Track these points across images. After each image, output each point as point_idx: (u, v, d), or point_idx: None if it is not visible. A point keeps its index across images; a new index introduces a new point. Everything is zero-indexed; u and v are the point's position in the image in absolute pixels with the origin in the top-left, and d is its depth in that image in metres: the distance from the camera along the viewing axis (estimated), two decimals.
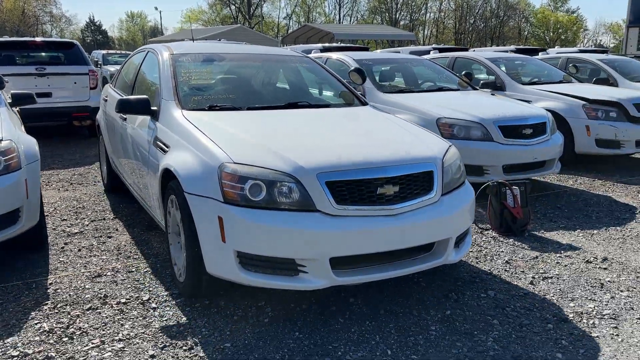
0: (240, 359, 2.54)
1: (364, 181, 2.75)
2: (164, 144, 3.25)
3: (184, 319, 2.89)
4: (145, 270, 3.54)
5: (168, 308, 3.01)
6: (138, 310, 2.99)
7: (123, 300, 3.09)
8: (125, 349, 2.61)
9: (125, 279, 3.39)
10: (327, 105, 4.03)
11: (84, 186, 5.81)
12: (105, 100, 5.20)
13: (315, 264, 2.61)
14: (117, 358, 2.53)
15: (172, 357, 2.54)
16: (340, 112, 3.89)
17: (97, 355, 2.55)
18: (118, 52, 22.63)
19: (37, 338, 2.69)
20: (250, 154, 2.77)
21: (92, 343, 2.65)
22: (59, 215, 4.70)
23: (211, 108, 3.52)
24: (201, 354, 2.57)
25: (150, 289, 3.25)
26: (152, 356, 2.55)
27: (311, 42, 41.66)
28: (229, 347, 2.64)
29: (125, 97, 3.62)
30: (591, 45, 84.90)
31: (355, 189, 2.73)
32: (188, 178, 2.82)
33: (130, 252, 3.86)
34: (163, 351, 2.59)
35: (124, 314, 2.94)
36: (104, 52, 21.01)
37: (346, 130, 3.41)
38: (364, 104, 4.19)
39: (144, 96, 3.59)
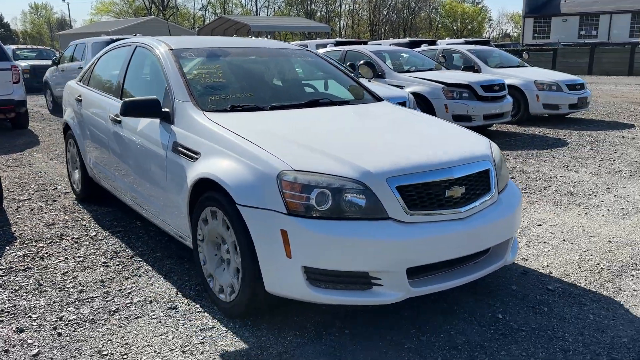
0: None
1: (432, 184, 2.60)
2: (191, 151, 2.99)
3: (124, 245, 4.05)
4: (90, 219, 4.65)
5: (112, 240, 4.15)
6: (89, 241, 4.13)
7: (76, 236, 4.22)
8: (84, 261, 3.75)
9: (74, 225, 4.49)
10: (347, 102, 3.81)
11: (20, 168, 6.71)
12: (79, 100, 4.77)
13: (391, 276, 2.45)
14: (79, 265, 3.68)
15: (118, 264, 3.70)
16: (368, 109, 3.73)
17: (64, 265, 3.68)
18: (28, 47, 22.43)
19: (16, 259, 3.78)
20: (308, 160, 2.56)
21: (59, 259, 3.78)
22: (6, 188, 5.61)
23: (233, 109, 3.28)
24: (136, 259, 3.75)
25: (96, 229, 4.38)
26: (104, 263, 3.71)
27: (228, 34, 42.29)
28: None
29: (131, 98, 3.29)
30: (498, 35, 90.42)
31: (424, 192, 2.57)
32: (240, 189, 2.56)
33: (75, 210, 4.93)
34: (112, 261, 3.74)
35: (78, 244, 4.07)
36: (14, 47, 20.86)
37: (390, 130, 3.22)
38: (379, 99, 4.02)
39: (153, 97, 3.30)
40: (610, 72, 26.47)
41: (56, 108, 12.02)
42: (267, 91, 3.84)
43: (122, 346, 2.65)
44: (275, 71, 4.22)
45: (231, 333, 2.76)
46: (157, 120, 3.38)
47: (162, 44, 3.81)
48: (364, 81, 5.89)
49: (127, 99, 3.26)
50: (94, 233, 4.27)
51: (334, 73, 4.28)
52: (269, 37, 36.28)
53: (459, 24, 78.44)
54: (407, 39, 15.81)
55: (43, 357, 2.57)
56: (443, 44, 15.62)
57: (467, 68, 10.39)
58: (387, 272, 2.44)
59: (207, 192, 2.83)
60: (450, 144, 2.95)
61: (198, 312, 2.98)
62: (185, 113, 3.20)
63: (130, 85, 4.06)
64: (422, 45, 12.76)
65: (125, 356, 2.57)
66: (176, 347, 2.64)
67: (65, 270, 3.55)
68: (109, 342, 2.69)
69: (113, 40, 11.13)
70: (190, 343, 2.68)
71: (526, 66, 11.16)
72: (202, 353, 2.60)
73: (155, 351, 2.62)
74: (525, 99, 9.66)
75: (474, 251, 2.68)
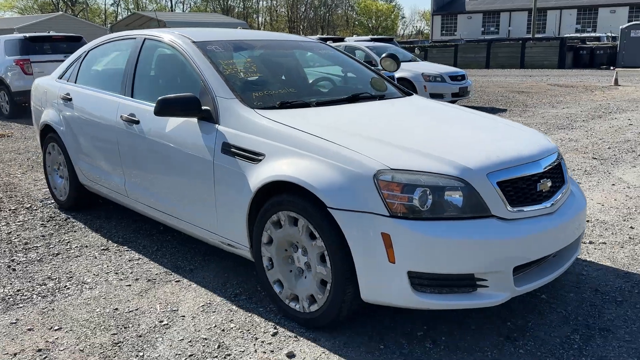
0: None
1: (526, 178, 2.55)
2: (250, 152, 2.78)
3: (58, 212, 4.76)
4: (22, 194, 5.30)
5: (46, 209, 4.84)
6: (25, 210, 4.82)
7: (13, 208, 4.89)
8: (23, 225, 4.46)
9: (9, 200, 5.13)
10: (383, 97, 3.64)
11: None
12: (67, 99, 4.33)
13: (497, 276, 2.36)
14: (20, 226, 4.38)
15: (65, 233, 4.39)
16: (413, 103, 3.57)
17: (6, 228, 4.36)
18: None
19: None
20: (403, 158, 2.44)
21: (2, 223, 4.47)
22: None
23: (282, 105, 3.09)
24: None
25: (30, 202, 5.06)
26: (42, 224, 4.42)
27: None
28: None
29: (167, 96, 2.99)
30: (412, 32, 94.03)
31: (520, 187, 2.51)
32: (330, 191, 2.41)
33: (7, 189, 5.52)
34: (47, 226, 4.44)
35: (15, 214, 4.75)
36: None
37: (456, 124, 3.10)
38: (407, 93, 3.89)
39: (191, 94, 3.03)
40: (505, 65, 28.82)
41: None
42: (306, 86, 3.75)
43: (67, 274, 3.46)
44: (304, 65, 4.06)
45: (155, 263, 3.61)
46: (194, 120, 3.12)
47: (181, 37, 3.55)
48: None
49: (162, 97, 2.99)
50: (29, 205, 4.96)
51: (354, 66, 4.14)
52: None
53: (374, 22, 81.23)
54: (316, 36, 17.02)
55: (3, 284, 3.32)
56: (351, 41, 16.95)
57: (367, 61, 11.74)
58: (494, 273, 2.34)
59: (276, 195, 2.67)
60: (522, 137, 2.90)
61: (127, 251, 3.81)
62: (233, 111, 2.98)
63: (143, 82, 3.75)
64: (328, 42, 14.09)
65: (70, 279, 3.38)
66: (110, 271, 3.49)
67: (9, 231, 4.27)
68: (56, 272, 3.49)
69: (27, 38, 11.36)
70: (121, 268, 3.53)
71: (417, 61, 12.83)
72: (131, 273, 3.46)
73: (94, 274, 3.45)
74: (415, 89, 11.06)
75: (566, 244, 2.65)
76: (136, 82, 3.74)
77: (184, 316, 2.89)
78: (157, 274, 3.42)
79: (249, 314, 2.89)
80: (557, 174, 2.78)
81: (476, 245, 2.29)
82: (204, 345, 2.61)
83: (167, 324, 2.81)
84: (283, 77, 3.72)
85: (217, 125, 3.01)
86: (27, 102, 10.71)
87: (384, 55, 4.76)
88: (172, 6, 72.94)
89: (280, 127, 2.76)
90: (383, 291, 2.38)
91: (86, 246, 3.91)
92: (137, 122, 3.52)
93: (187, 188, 3.20)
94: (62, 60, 11.90)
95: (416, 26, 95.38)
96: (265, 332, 2.72)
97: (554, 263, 2.67)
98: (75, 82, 4.43)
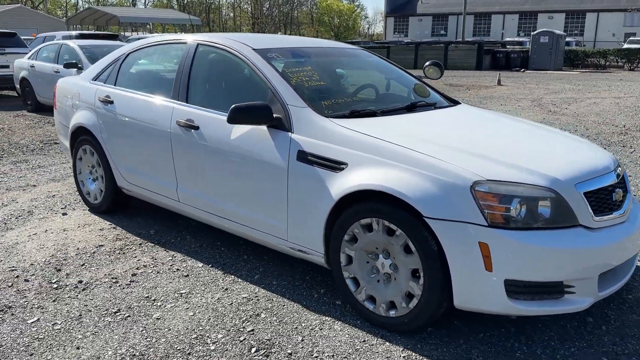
0: None
1: (604, 188, 2.63)
2: (332, 161, 2.78)
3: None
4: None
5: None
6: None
7: None
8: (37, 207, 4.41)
9: None
10: (435, 104, 3.64)
11: None
12: (108, 102, 4.19)
13: (584, 283, 2.43)
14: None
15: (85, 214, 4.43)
16: (473, 114, 3.60)
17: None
18: None
19: None
20: (496, 170, 2.47)
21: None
22: None
23: (352, 114, 3.07)
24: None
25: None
26: (64, 213, 4.36)
27: (98, 24, 43.28)
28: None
29: (240, 104, 2.96)
30: (374, 32, 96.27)
31: (600, 198, 2.59)
32: (426, 201, 2.43)
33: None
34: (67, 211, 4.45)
35: None
36: None
37: (523, 136, 3.12)
38: (454, 101, 3.90)
39: (263, 102, 3.01)
40: None
41: None
42: (364, 94, 3.73)
43: None
44: (356, 72, 4.08)
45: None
46: (263, 128, 3.09)
47: (239, 44, 3.51)
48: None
49: (235, 105, 2.94)
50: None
51: (397, 72, 4.12)
52: (141, 30, 37.86)
53: (336, 21, 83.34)
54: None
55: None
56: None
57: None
58: (582, 280, 2.41)
59: (363, 202, 2.67)
60: (586, 148, 3.02)
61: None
62: (307, 120, 2.97)
63: (199, 88, 3.67)
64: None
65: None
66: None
67: None
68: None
69: None
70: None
71: None
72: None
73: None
74: None
75: (637, 251, 2.74)
76: (191, 88, 3.66)
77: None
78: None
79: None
80: (622, 183, 2.84)
81: (567, 253, 2.35)
82: None
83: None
84: (343, 85, 3.76)
85: (290, 133, 2.99)
86: None
87: (427, 63, 4.55)
88: (133, 1, 73.80)
89: (362, 137, 2.75)
90: (478, 298, 2.40)
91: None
92: (196, 128, 3.44)
93: (254, 194, 3.15)
94: None
95: (377, 26, 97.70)
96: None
97: (622, 267, 2.70)
98: (115, 85, 4.27)
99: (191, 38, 3.87)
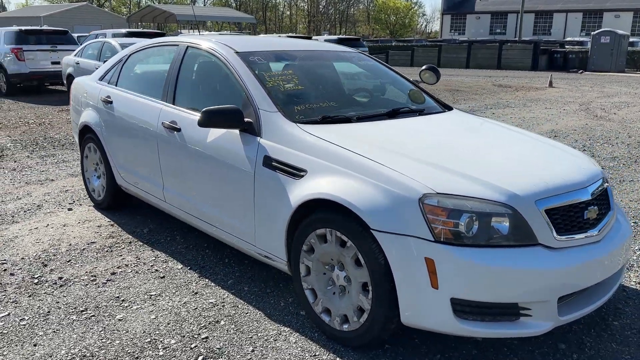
0: None
1: (573, 205, 2.42)
2: (293, 167, 2.72)
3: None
4: None
5: None
6: None
7: None
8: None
9: None
10: (423, 111, 3.52)
11: None
12: (109, 102, 4.26)
13: (542, 306, 2.26)
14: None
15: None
16: (458, 120, 3.46)
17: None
18: None
19: None
20: (449, 182, 2.33)
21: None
22: None
23: (324, 120, 3.01)
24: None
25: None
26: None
27: (157, 22, 44.64)
28: None
29: (211, 107, 2.93)
30: (431, 30, 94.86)
31: (567, 215, 2.40)
32: (374, 213, 2.32)
33: None
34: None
35: None
36: None
37: (500, 145, 2.97)
38: (447, 106, 3.78)
39: (234, 106, 2.97)
40: (483, 66, 29.36)
41: None
42: (346, 99, 3.64)
43: None
44: (343, 76, 3.97)
45: None
46: (236, 132, 3.07)
47: (223, 46, 3.50)
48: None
49: (207, 108, 2.92)
50: None
51: (392, 77, 4.02)
52: (197, 28, 38.72)
53: (391, 19, 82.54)
54: (286, 34, 19.24)
55: None
56: (321, 39, 19.28)
57: None
58: (539, 302, 2.25)
59: (319, 212, 2.59)
60: (569, 161, 2.79)
61: None
62: (275, 125, 2.93)
63: (185, 89, 3.69)
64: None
65: None
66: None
67: None
68: None
69: (22, 31, 14.07)
70: None
71: None
72: None
73: None
74: None
75: (611, 273, 2.51)
76: (178, 90, 3.69)
77: None
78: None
79: None
80: (603, 200, 2.65)
81: (521, 274, 2.19)
82: None
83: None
84: (324, 90, 3.60)
85: (258, 138, 2.95)
86: (20, 83, 13.44)
87: (424, 67, 4.42)
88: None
89: (324, 144, 2.67)
90: (424, 316, 2.28)
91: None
92: (179, 130, 3.44)
93: (226, 198, 3.13)
94: (49, 50, 13.81)
95: (434, 24, 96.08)
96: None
97: (597, 290, 2.54)
98: (116, 85, 4.36)
99: (183, 40, 3.91)
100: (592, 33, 28.59)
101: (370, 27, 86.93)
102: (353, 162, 2.51)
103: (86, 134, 4.63)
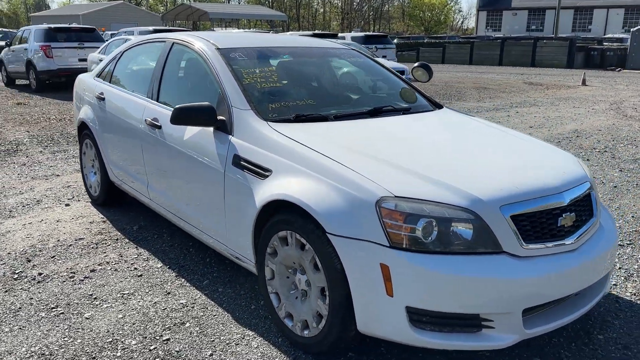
0: None
1: (546, 212, 2.27)
2: (259, 167, 2.64)
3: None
4: None
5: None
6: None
7: None
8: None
9: None
10: (409, 110, 3.40)
11: None
12: (101, 99, 4.27)
13: (505, 318, 2.13)
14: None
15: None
16: (440, 120, 3.33)
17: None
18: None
19: None
20: (409, 185, 2.21)
21: None
22: None
23: (298, 119, 2.91)
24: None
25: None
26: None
27: (191, 20, 45.22)
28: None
29: (183, 105, 2.89)
30: (467, 27, 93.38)
31: (537, 222, 2.25)
32: (330, 216, 2.22)
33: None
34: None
35: None
36: None
37: (479, 146, 2.81)
38: (437, 105, 3.65)
39: (207, 103, 2.91)
40: (516, 63, 28.64)
41: (9, 81, 15.51)
42: (327, 97, 3.52)
43: None
44: (329, 74, 3.85)
45: None
46: (210, 129, 3.01)
47: (206, 42, 3.45)
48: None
49: (178, 105, 2.88)
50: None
51: (383, 75, 3.89)
52: (230, 25, 39.23)
53: (426, 15, 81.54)
54: (311, 32, 19.15)
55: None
56: (348, 37, 19.10)
57: None
58: (502, 314, 2.12)
59: (281, 213, 2.51)
60: (550, 163, 2.62)
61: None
62: (246, 123, 2.85)
63: (168, 87, 3.65)
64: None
65: None
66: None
67: None
68: None
69: (51, 28, 14.45)
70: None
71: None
72: None
73: None
74: None
75: (587, 285, 2.36)
76: (162, 87, 3.66)
77: None
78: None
79: None
80: (584, 206, 2.48)
81: (482, 283, 2.06)
82: None
83: None
84: (306, 87, 3.50)
85: (230, 136, 2.88)
86: (49, 80, 13.77)
87: (415, 64, 4.29)
88: None
89: (289, 143, 2.59)
90: (379, 324, 2.18)
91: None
92: (159, 127, 3.42)
93: (201, 197, 3.09)
94: (77, 47, 14.26)
95: (471, 21, 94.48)
96: None
97: (574, 302, 2.40)
98: (110, 82, 4.37)
99: (169, 37, 3.88)
100: (632, 29, 27.55)
101: (405, 23, 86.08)
102: (315, 162, 2.42)
103: (83, 130, 4.68)
